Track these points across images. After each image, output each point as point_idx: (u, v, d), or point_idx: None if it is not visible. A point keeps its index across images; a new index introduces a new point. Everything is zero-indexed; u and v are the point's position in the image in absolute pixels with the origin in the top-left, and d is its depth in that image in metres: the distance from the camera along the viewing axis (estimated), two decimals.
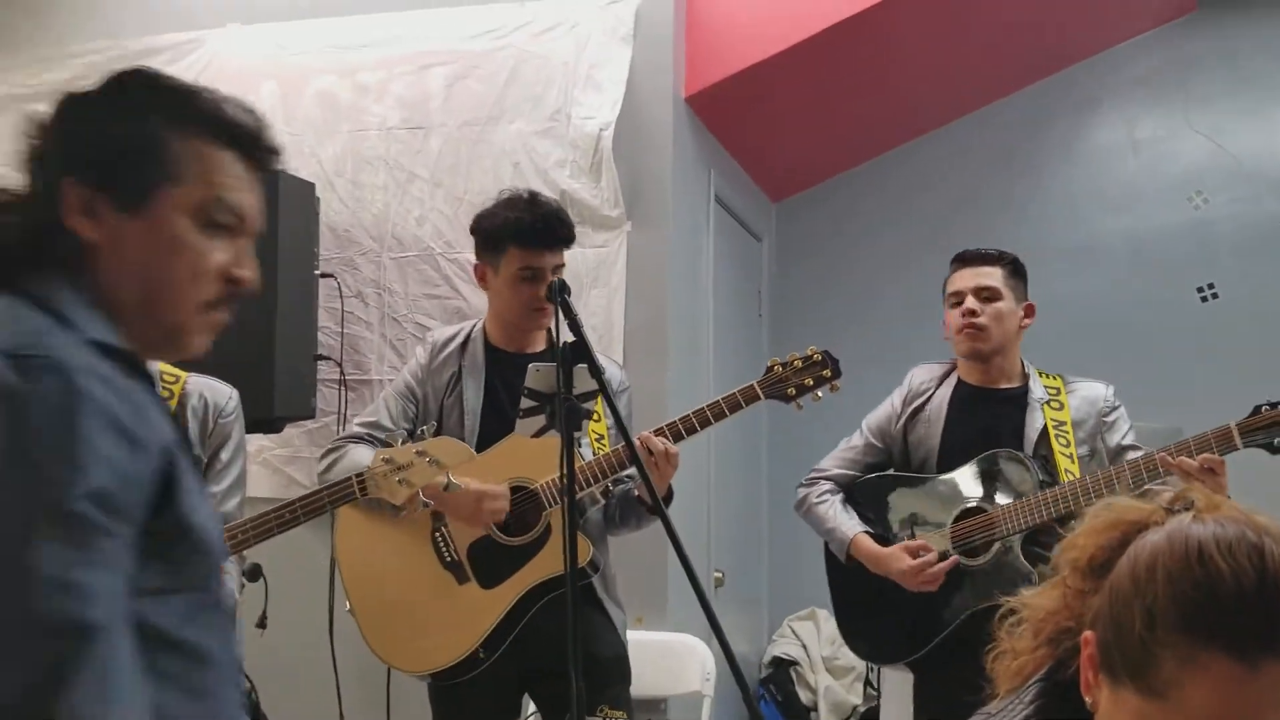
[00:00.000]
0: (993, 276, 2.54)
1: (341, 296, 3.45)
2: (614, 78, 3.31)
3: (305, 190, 3.32)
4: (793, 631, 4.22)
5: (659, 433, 2.29)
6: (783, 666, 4.10)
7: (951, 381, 2.64)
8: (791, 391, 2.34)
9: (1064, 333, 4.19)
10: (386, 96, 3.52)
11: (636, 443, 2.24)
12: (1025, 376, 2.60)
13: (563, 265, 2.38)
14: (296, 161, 3.50)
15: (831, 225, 4.67)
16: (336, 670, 3.31)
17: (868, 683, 3.98)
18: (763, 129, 4.02)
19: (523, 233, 2.33)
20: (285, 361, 3.12)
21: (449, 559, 2.34)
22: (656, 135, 3.37)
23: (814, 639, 4.15)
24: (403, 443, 2.11)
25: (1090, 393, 2.57)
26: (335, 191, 3.51)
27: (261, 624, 3.12)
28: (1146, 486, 2.34)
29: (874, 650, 2.74)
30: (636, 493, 2.39)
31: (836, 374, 2.36)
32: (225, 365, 2.07)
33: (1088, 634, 1.00)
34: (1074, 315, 4.27)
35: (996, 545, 2.48)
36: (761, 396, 2.34)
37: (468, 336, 2.48)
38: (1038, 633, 1.08)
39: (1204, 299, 4.25)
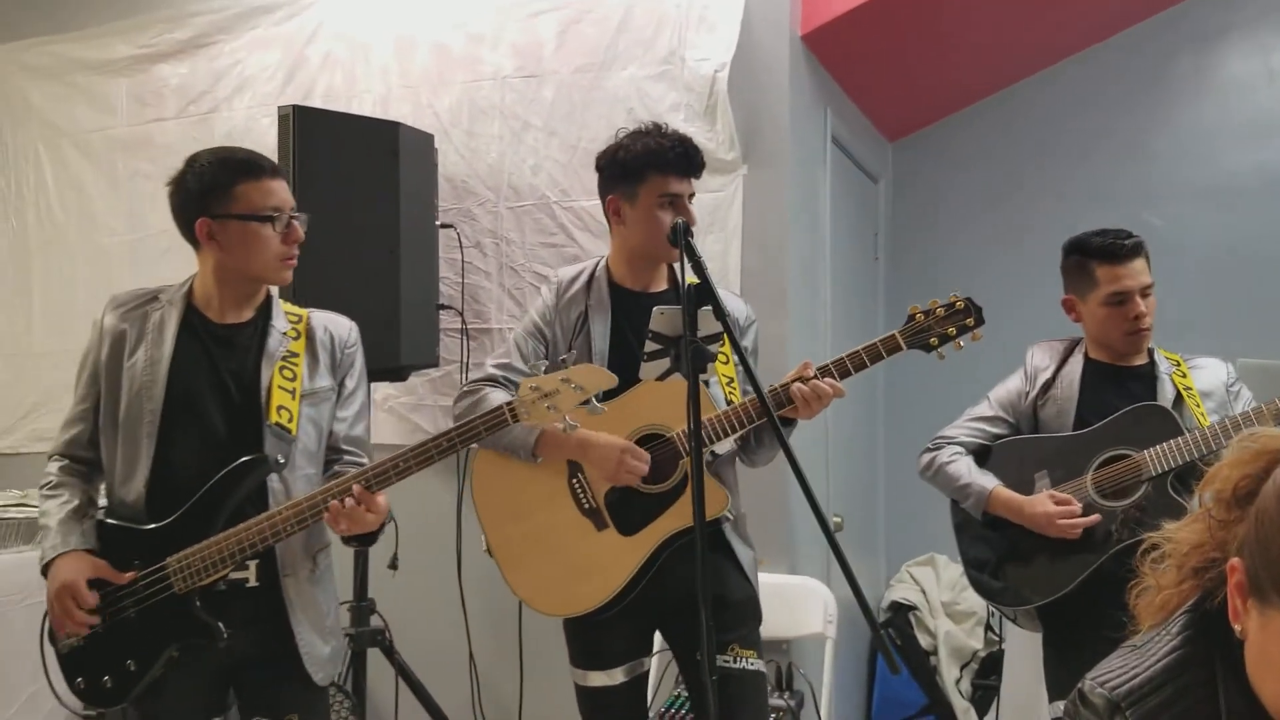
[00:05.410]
0: (1146, 272, 2.52)
1: (461, 246, 3.50)
2: (728, 17, 3.26)
3: (424, 142, 3.36)
4: (911, 577, 4.19)
5: (825, 371, 2.26)
6: (901, 611, 4.07)
7: (1078, 358, 2.64)
8: (934, 341, 2.27)
9: (1199, 273, 4.03)
10: (500, 45, 3.53)
11: (766, 389, 2.23)
12: (1150, 351, 2.62)
13: (694, 195, 2.38)
14: (415, 114, 3.55)
15: (949, 165, 4.54)
16: (465, 609, 3.42)
17: (988, 628, 3.93)
18: (879, 67, 3.92)
19: (662, 158, 2.32)
20: (410, 311, 3.19)
21: (587, 505, 2.36)
22: (773, 75, 3.30)
23: (933, 584, 4.11)
24: (546, 371, 2.14)
25: (1214, 369, 2.61)
26: (452, 142, 3.55)
27: (393, 565, 3.24)
28: None
29: (1016, 596, 2.62)
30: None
31: (980, 321, 2.29)
32: (352, 317, 2.33)
33: (1234, 561, 0.99)
34: (1208, 255, 4.09)
35: (1144, 487, 2.45)
36: (903, 347, 2.27)
37: (591, 275, 2.47)
38: (1182, 566, 1.08)
39: None
